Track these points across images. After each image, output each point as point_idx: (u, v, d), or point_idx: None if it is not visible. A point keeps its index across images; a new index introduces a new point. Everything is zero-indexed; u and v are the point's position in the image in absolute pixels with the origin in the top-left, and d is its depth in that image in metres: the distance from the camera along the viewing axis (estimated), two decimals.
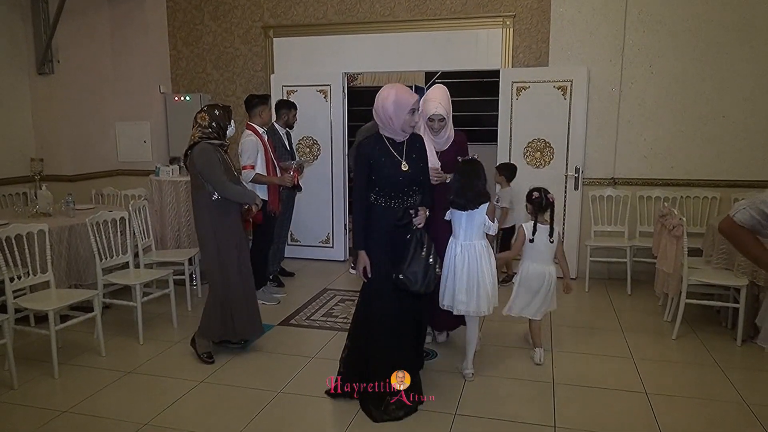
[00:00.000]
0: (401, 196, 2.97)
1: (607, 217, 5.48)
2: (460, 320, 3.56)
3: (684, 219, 4.00)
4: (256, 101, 4.72)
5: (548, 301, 3.66)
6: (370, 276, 3.00)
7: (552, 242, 3.57)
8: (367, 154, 2.95)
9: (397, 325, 3.03)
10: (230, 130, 3.75)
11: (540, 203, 3.55)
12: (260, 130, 4.69)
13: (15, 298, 3.57)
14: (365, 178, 2.95)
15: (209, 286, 3.74)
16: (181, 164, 5.27)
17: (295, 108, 5.31)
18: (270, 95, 5.05)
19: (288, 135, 5.41)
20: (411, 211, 2.98)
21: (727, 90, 5.17)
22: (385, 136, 2.98)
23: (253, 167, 4.53)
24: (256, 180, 4.54)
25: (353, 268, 5.87)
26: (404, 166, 2.95)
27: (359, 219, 2.98)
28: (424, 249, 2.93)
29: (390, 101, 2.87)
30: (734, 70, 5.13)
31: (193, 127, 3.67)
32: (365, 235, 2.98)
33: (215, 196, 3.57)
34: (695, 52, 5.19)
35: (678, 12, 5.18)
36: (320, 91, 6.06)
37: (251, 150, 4.53)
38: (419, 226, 2.98)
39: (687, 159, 5.34)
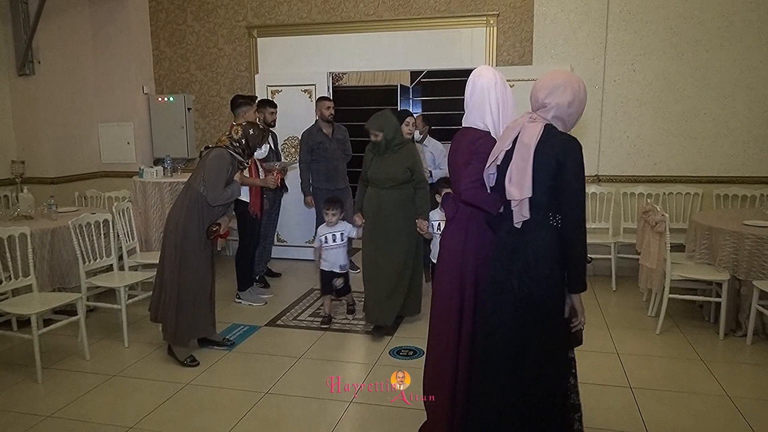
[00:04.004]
0: None
1: (592, 214, 5.53)
2: None
3: (666, 215, 4.04)
4: (240, 101, 4.70)
5: None
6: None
7: None
8: None
9: None
10: (259, 153, 3.81)
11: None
12: None
13: None
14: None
15: (168, 284, 3.60)
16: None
17: (269, 105, 5.25)
18: (257, 97, 5.02)
19: (273, 135, 5.39)
20: None
21: (707, 87, 5.24)
22: None
23: None
24: (241, 182, 4.51)
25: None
26: None
27: (586, 247, 2.19)
28: None
29: (584, 94, 2.23)
30: (714, 68, 5.20)
31: (225, 134, 3.69)
32: None
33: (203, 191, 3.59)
34: (676, 50, 5.25)
35: (659, 10, 5.24)
36: (305, 91, 6.04)
37: None
38: None
39: (669, 156, 5.41)
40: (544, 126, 2.16)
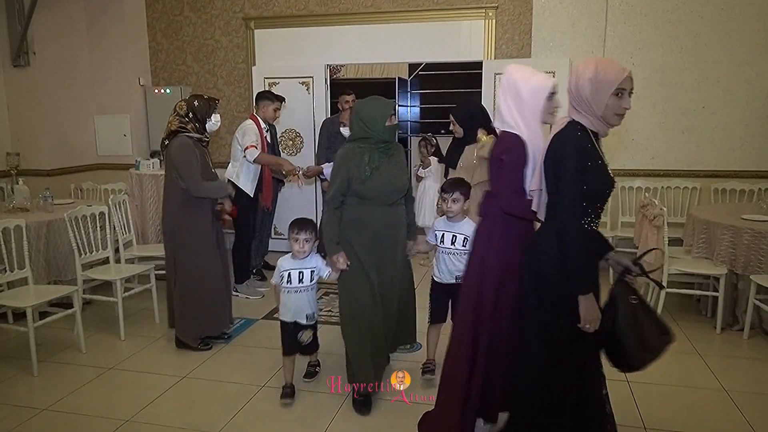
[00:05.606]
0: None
1: None
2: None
3: (665, 209, 4.04)
4: (262, 95, 4.82)
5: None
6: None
7: None
8: (585, 152, 2.06)
9: None
10: (210, 124, 3.69)
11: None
12: (262, 124, 4.73)
13: None
14: (581, 187, 2.05)
15: (178, 283, 3.67)
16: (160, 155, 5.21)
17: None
18: (284, 98, 4.97)
19: (272, 129, 5.33)
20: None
21: (706, 81, 5.22)
22: (590, 130, 2.12)
23: (255, 147, 4.51)
24: (260, 160, 4.52)
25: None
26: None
27: (584, 248, 2.06)
28: None
29: (586, 78, 2.04)
30: (713, 62, 5.19)
31: (171, 114, 3.63)
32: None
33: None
34: (675, 43, 5.23)
35: (658, 4, 5.22)
36: (303, 83, 6.02)
37: (252, 133, 4.56)
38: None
39: (667, 150, 5.40)
40: (567, 123, 2.14)
